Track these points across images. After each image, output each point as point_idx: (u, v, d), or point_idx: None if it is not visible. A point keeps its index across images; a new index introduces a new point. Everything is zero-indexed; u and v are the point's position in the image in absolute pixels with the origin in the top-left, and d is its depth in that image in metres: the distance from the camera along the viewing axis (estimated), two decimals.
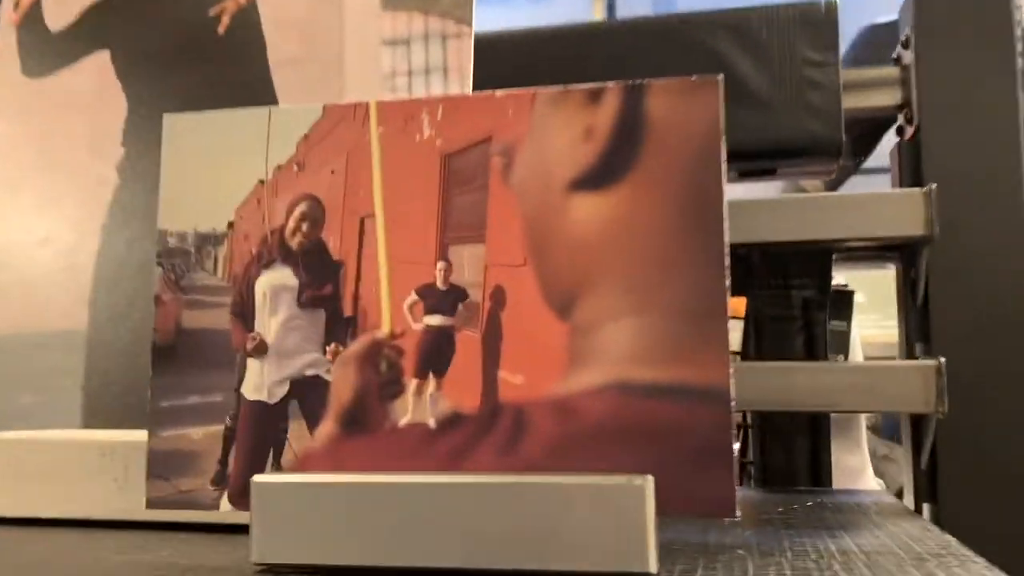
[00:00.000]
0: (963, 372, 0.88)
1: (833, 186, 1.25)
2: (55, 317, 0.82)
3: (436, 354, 0.52)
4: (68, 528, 0.61)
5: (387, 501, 0.44)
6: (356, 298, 0.53)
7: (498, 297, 0.51)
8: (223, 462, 0.54)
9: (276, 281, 0.55)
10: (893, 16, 1.04)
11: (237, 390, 0.54)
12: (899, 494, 1.01)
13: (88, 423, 0.80)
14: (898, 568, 0.49)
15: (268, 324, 0.54)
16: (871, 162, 1.19)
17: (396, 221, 0.53)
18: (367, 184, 0.54)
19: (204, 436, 0.54)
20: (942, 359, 0.85)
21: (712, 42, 0.95)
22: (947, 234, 0.83)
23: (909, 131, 0.98)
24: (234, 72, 0.82)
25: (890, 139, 1.04)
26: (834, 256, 0.99)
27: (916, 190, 0.89)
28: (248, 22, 0.85)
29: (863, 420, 1.47)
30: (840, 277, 1.13)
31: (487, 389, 0.50)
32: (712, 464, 0.46)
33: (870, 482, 1.43)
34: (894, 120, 1.02)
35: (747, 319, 1.00)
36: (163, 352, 0.56)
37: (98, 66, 0.88)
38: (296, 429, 0.53)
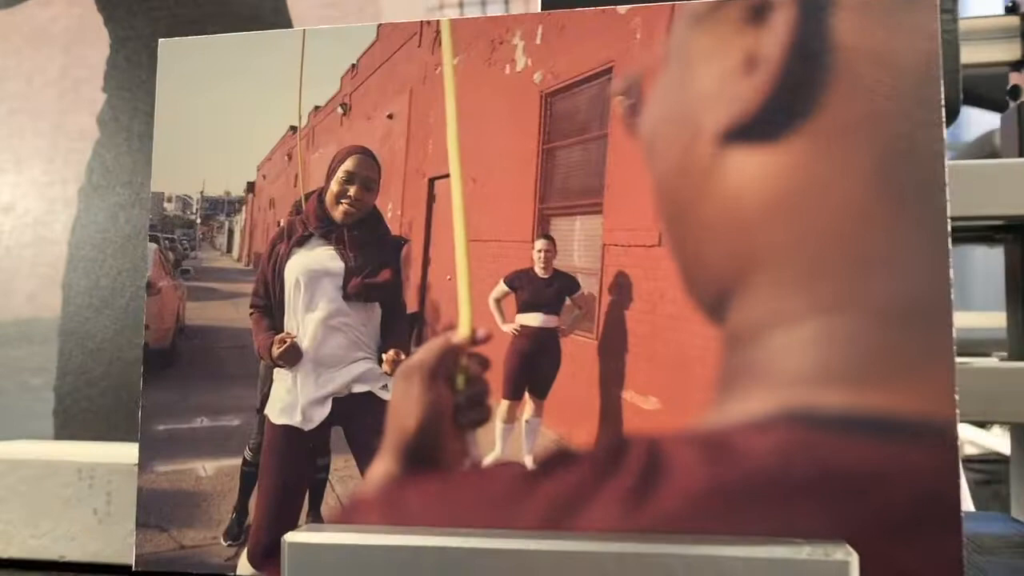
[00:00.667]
0: None
1: None
2: (19, 302, 0.76)
3: (535, 366, 0.45)
4: (32, 573, 0.57)
5: (466, 572, 0.38)
6: (423, 288, 0.47)
7: (621, 289, 0.44)
8: (240, 509, 0.47)
9: (313, 264, 0.48)
10: None
11: (260, 411, 0.47)
12: None
13: (61, 433, 0.73)
14: None
15: (302, 322, 0.47)
16: None
17: (479, 184, 0.46)
18: (438, 133, 0.46)
19: (215, 473, 0.47)
20: None
21: None
22: None
23: None
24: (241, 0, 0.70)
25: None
26: None
27: None
28: None
29: None
30: None
31: (607, 416, 0.43)
32: (932, 526, 0.38)
33: None
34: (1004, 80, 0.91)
35: None
36: (158, 357, 0.48)
37: None
38: (341, 466, 0.46)
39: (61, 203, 0.75)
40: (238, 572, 0.47)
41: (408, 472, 0.44)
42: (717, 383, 0.41)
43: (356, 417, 0.46)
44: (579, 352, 0.44)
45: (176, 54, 0.49)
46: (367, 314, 0.47)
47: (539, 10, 0.66)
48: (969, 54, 0.89)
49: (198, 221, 0.50)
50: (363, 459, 0.46)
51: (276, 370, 0.47)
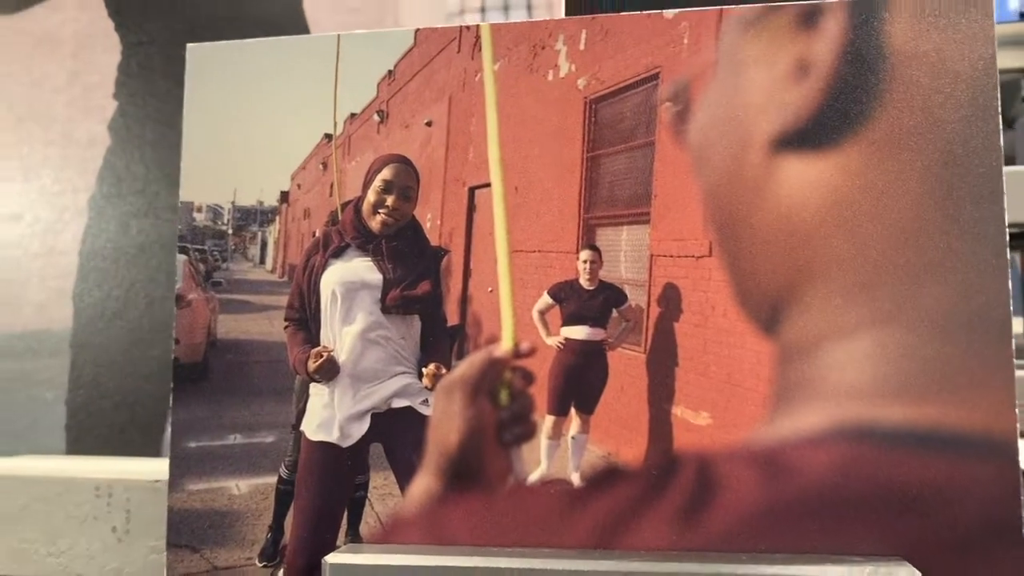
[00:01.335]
0: None
1: None
2: (29, 314, 0.73)
3: (581, 381, 0.43)
4: None
5: None
6: (464, 300, 0.45)
7: (670, 301, 0.42)
8: (276, 529, 0.45)
9: (350, 275, 0.46)
10: None
11: (296, 427, 0.46)
12: None
13: (73, 448, 0.72)
14: None
15: (339, 335, 0.46)
16: None
17: (521, 193, 0.44)
18: (479, 141, 0.45)
19: (249, 491, 0.45)
20: None
21: None
22: None
23: None
24: (256, 4, 0.68)
25: None
26: None
27: None
28: None
29: None
30: None
31: (656, 432, 0.42)
32: (993, 542, 0.37)
33: None
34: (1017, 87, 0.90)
35: None
36: (188, 372, 0.47)
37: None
38: (380, 484, 0.44)
39: (71, 212, 0.72)
40: None
41: (450, 490, 0.43)
42: (770, 398, 0.40)
43: (396, 433, 0.45)
44: (627, 366, 0.43)
45: (205, 59, 0.47)
46: (406, 327, 0.45)
47: (563, 15, 0.64)
48: None
49: (230, 232, 0.48)
50: (403, 476, 0.44)
51: (312, 385, 0.45)
